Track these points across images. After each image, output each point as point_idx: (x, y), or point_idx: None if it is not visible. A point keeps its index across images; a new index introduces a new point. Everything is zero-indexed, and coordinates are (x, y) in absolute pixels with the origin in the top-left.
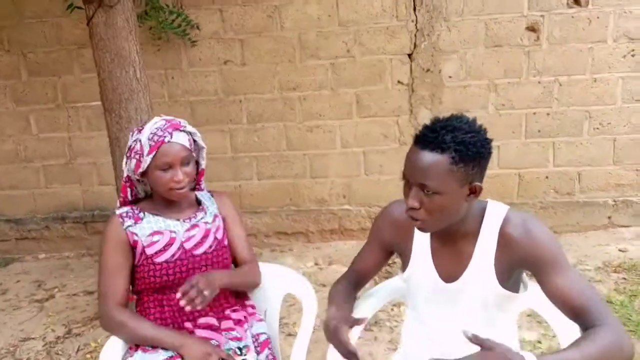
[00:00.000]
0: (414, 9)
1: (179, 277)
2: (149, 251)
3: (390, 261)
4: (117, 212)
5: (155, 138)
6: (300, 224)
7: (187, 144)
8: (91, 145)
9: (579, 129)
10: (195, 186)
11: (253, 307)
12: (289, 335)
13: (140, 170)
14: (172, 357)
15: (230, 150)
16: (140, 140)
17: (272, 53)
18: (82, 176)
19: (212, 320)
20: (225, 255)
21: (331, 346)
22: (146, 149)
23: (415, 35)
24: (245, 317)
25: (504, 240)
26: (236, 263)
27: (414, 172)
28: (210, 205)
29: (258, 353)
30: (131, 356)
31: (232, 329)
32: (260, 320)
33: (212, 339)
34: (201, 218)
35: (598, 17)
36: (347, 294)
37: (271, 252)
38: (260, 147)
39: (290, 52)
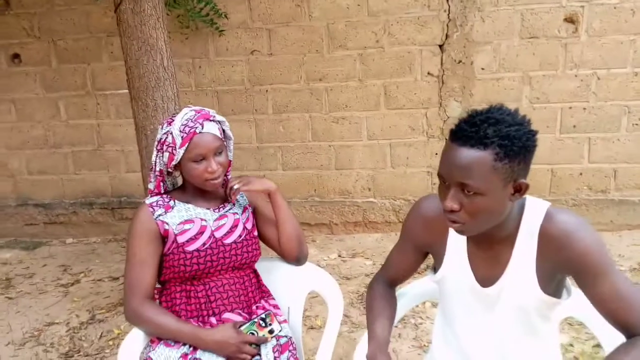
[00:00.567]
0: None
1: (209, 265)
2: (181, 239)
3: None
4: (147, 201)
5: (187, 130)
6: (324, 216)
7: (219, 134)
8: (119, 132)
9: (617, 124)
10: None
11: (276, 307)
12: (311, 328)
13: (174, 163)
14: (192, 350)
15: (256, 140)
16: (171, 133)
17: (300, 43)
18: (109, 163)
19: (237, 318)
20: (255, 246)
21: (358, 346)
22: (178, 142)
23: (447, 26)
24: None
25: (545, 243)
26: (277, 249)
27: (453, 171)
28: (239, 197)
29: (279, 354)
30: (153, 349)
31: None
32: (284, 321)
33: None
34: (230, 209)
35: None
36: (388, 304)
37: None
38: (286, 138)
39: (318, 42)
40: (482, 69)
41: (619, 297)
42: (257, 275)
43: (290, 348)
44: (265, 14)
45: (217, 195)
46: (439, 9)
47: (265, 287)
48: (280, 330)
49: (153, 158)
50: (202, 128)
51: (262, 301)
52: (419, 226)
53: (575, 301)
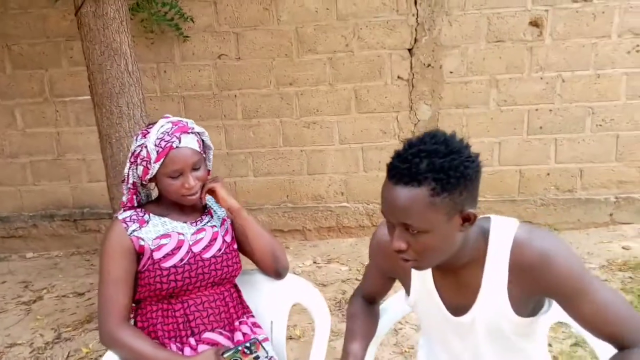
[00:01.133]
0: (415, 3)
1: (187, 282)
2: (157, 255)
3: None
4: (120, 217)
5: (163, 144)
6: (297, 222)
7: (197, 147)
8: (80, 140)
9: (582, 125)
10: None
11: (256, 325)
12: (290, 338)
13: (148, 177)
14: None
15: (225, 147)
16: (146, 147)
17: (268, 47)
18: (70, 173)
19: (219, 338)
20: (236, 260)
21: None
22: (153, 156)
23: (415, 30)
24: (251, 330)
25: (517, 269)
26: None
27: (393, 211)
28: (217, 208)
29: None
30: None
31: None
32: (265, 340)
33: (218, 344)
34: (207, 222)
35: (603, 12)
36: (366, 322)
37: None
38: (256, 143)
39: (287, 46)
40: (451, 72)
41: (603, 313)
42: (237, 291)
43: None
44: (232, 17)
45: (195, 208)
46: (407, 13)
47: (246, 303)
48: (266, 357)
49: (126, 170)
50: (179, 142)
51: (245, 317)
52: (379, 255)
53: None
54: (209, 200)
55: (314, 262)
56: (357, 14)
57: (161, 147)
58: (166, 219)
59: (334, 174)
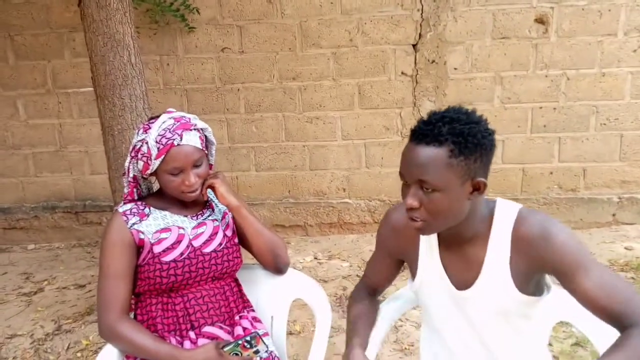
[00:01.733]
0: None
1: (187, 277)
2: (157, 249)
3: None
4: (120, 210)
5: (164, 141)
6: (298, 217)
7: (199, 144)
8: (83, 132)
9: (586, 124)
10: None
11: (257, 319)
12: (290, 334)
13: (149, 172)
14: None
15: (227, 141)
16: (147, 142)
17: (272, 41)
18: (73, 165)
19: (219, 332)
20: (236, 254)
21: None
22: (154, 153)
23: (420, 25)
24: (252, 325)
25: (519, 243)
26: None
27: (411, 168)
28: (218, 202)
29: None
30: None
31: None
32: (266, 334)
33: (219, 338)
34: (208, 216)
35: (609, 10)
36: (368, 314)
37: None
38: (258, 138)
39: (291, 40)
40: (455, 68)
41: (604, 289)
42: (238, 285)
43: None
44: (236, 10)
45: (196, 201)
46: (412, 8)
47: (246, 297)
48: (266, 351)
49: (126, 164)
50: (181, 140)
51: (245, 311)
52: (390, 236)
53: (562, 305)
54: (210, 192)
55: (315, 258)
56: (361, 9)
57: (162, 144)
58: (166, 212)
59: (336, 170)
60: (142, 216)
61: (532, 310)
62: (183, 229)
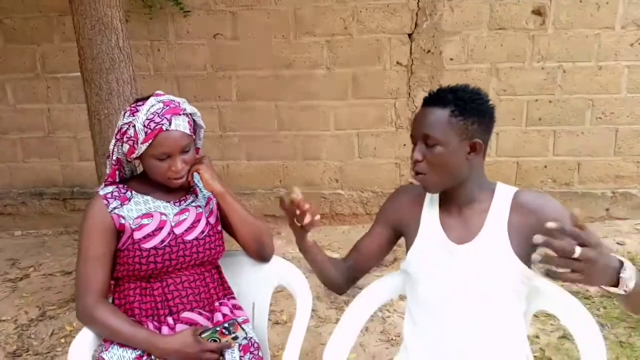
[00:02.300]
0: None
1: (167, 264)
2: (137, 235)
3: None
4: (101, 192)
5: (152, 125)
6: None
7: (188, 130)
8: (71, 118)
9: (581, 118)
10: None
11: (237, 307)
12: (276, 323)
13: (134, 156)
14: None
15: (219, 129)
16: (134, 126)
17: (265, 28)
18: (61, 150)
19: (198, 318)
20: (219, 242)
21: (327, 347)
22: (141, 137)
23: (416, 14)
24: (231, 312)
25: (517, 209)
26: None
27: (419, 126)
28: (203, 187)
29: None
30: (106, 350)
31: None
32: (246, 321)
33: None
34: (192, 202)
35: (607, 3)
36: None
37: None
38: (250, 126)
39: (285, 27)
40: (451, 59)
41: None
42: (219, 271)
43: (252, 349)
44: None
45: (179, 187)
46: None
47: (227, 284)
48: (244, 337)
49: (111, 146)
50: (170, 125)
51: (225, 298)
52: (394, 203)
53: (545, 294)
54: (195, 177)
55: None
56: None
57: (150, 128)
58: (149, 197)
59: (329, 160)
60: (124, 200)
61: (521, 286)
62: (165, 215)
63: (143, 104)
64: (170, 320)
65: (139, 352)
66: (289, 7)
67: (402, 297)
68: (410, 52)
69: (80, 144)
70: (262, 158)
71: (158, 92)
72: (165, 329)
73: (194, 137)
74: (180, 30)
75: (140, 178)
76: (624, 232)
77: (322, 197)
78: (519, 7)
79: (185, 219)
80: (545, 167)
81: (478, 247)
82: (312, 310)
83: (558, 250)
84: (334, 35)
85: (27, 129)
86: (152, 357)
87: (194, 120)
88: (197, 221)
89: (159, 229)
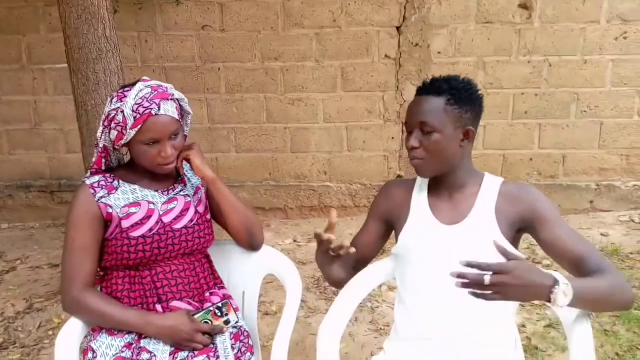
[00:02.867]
0: None
1: (156, 252)
2: (125, 224)
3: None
4: (88, 181)
5: (141, 110)
6: (278, 200)
7: (176, 115)
8: (58, 110)
9: (566, 111)
10: None
11: (227, 296)
12: (266, 314)
13: (122, 142)
14: (136, 339)
15: (207, 121)
16: (122, 111)
17: (254, 19)
18: (48, 143)
19: (187, 307)
20: (208, 231)
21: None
22: (130, 122)
23: (404, 7)
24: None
25: (505, 195)
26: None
27: (415, 114)
28: (191, 176)
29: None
30: (95, 339)
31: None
32: (236, 309)
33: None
34: (180, 191)
35: None
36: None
37: None
38: (239, 119)
39: (273, 19)
40: (439, 52)
41: (573, 238)
42: (209, 261)
43: (242, 337)
44: None
45: (167, 175)
46: None
47: (217, 273)
48: (236, 322)
49: (98, 133)
50: (159, 109)
51: (216, 287)
52: (386, 196)
53: None
54: (184, 166)
55: (294, 241)
56: None
57: (139, 113)
58: (136, 186)
59: (318, 153)
60: (110, 189)
61: None
62: (153, 203)
63: (130, 89)
64: (159, 307)
65: (128, 340)
66: None
67: (391, 288)
68: (399, 45)
69: (67, 136)
70: (251, 150)
71: (145, 77)
72: None
73: (181, 122)
74: (168, 21)
75: (127, 167)
76: (607, 223)
77: (311, 189)
78: (505, 0)
79: (174, 207)
80: (531, 159)
81: (467, 228)
82: (302, 301)
83: (472, 280)
84: (323, 28)
85: (12, 121)
86: (141, 344)
87: (180, 106)
88: (185, 210)
89: (147, 217)
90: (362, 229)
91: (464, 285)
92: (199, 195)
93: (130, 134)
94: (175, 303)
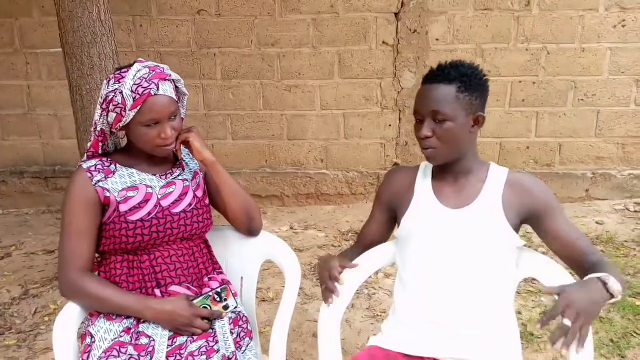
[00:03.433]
0: None
1: (154, 236)
2: (123, 207)
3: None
4: (84, 165)
5: (140, 90)
6: (275, 187)
7: (174, 95)
8: (52, 95)
9: (564, 99)
10: None
11: (226, 281)
12: (263, 300)
13: (121, 124)
14: (135, 323)
15: (203, 107)
16: (121, 92)
17: (250, 4)
18: (41, 128)
19: (186, 292)
20: (207, 215)
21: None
22: (129, 103)
23: None
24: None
25: (512, 185)
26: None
27: (427, 103)
28: (189, 161)
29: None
30: (93, 324)
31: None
32: (234, 294)
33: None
34: (178, 175)
35: None
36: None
37: None
38: (235, 105)
39: (270, 4)
40: (437, 39)
41: (574, 231)
42: (208, 246)
43: (241, 322)
44: None
45: (165, 159)
46: None
47: (216, 259)
48: (235, 307)
49: (96, 117)
50: (157, 89)
51: (214, 273)
52: (389, 183)
53: (532, 262)
54: (182, 150)
55: (291, 228)
56: None
57: (138, 93)
58: (133, 170)
59: (314, 140)
60: (108, 173)
61: (510, 254)
62: (151, 187)
63: (127, 71)
64: (157, 292)
65: (127, 325)
66: None
67: (387, 275)
68: (396, 32)
69: (62, 121)
70: (247, 137)
71: (140, 59)
72: None
73: (179, 103)
74: (162, 5)
75: (124, 151)
76: (603, 212)
77: (308, 176)
78: None
79: (172, 191)
80: (528, 147)
81: (472, 213)
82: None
83: (561, 334)
84: (320, 13)
85: (5, 106)
86: (139, 328)
87: (176, 87)
88: (183, 194)
89: (145, 201)
90: (370, 217)
91: (566, 344)
92: (197, 180)
93: (129, 115)
94: (173, 288)
